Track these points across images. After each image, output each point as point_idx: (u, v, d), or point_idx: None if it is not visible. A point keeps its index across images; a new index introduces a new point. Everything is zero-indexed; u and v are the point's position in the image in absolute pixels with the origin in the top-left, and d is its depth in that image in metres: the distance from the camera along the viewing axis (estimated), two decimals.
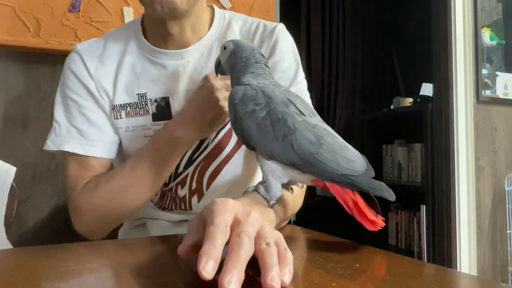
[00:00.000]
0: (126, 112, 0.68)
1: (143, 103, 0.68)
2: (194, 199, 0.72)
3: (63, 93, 0.68)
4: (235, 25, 0.72)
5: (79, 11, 1.05)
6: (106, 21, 1.08)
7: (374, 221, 0.44)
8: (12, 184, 0.78)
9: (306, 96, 0.71)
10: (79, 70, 0.67)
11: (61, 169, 1.07)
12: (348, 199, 0.45)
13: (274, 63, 0.70)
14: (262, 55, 0.55)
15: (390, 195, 0.44)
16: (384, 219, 0.46)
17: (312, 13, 2.94)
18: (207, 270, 0.29)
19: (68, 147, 0.65)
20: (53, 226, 1.06)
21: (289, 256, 0.34)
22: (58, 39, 1.03)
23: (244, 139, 0.50)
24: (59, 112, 0.67)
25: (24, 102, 1.04)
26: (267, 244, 0.33)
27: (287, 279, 0.32)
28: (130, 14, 1.10)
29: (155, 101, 0.68)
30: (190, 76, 0.69)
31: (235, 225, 0.34)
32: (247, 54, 0.54)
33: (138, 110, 0.68)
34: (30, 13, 1.01)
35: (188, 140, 0.63)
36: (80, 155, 0.65)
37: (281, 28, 0.73)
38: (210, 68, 0.69)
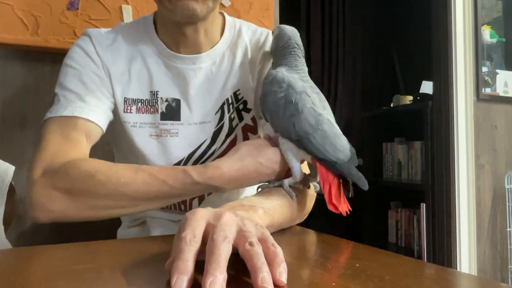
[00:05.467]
0: (137, 107, 0.68)
1: (154, 101, 0.68)
2: (195, 201, 0.72)
3: (64, 65, 0.66)
4: (245, 34, 0.74)
5: (77, 9, 1.05)
6: (104, 19, 1.07)
7: (337, 206, 0.52)
8: (11, 183, 0.78)
9: None
10: (87, 47, 0.67)
11: None
12: (326, 182, 0.53)
13: None
14: (297, 44, 0.63)
15: (363, 184, 0.52)
16: (351, 209, 0.53)
17: (312, 10, 2.93)
18: (178, 286, 0.29)
19: (68, 112, 0.60)
20: (53, 226, 1.05)
21: (280, 252, 0.33)
22: (56, 37, 1.03)
23: (263, 113, 0.60)
24: (57, 85, 0.65)
25: (22, 101, 1.04)
26: (250, 244, 0.32)
27: (284, 277, 0.31)
28: (129, 12, 1.10)
29: (166, 100, 0.68)
30: (201, 82, 0.70)
31: (209, 231, 0.33)
32: (283, 43, 0.62)
33: (149, 107, 0.68)
34: (29, 11, 1.00)
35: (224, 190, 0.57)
36: (74, 120, 0.60)
37: None
38: (221, 76, 0.70)
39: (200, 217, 0.35)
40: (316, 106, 0.56)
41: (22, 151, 1.04)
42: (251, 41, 0.73)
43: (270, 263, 0.32)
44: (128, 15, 1.09)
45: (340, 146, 0.53)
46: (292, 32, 0.64)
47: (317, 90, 0.60)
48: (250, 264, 0.31)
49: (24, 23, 1.01)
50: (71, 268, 0.39)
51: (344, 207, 0.52)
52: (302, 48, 0.64)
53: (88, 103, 0.63)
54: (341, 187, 0.54)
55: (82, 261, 0.42)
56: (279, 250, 0.33)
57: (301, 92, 0.56)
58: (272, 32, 0.65)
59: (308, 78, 0.62)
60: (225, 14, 0.75)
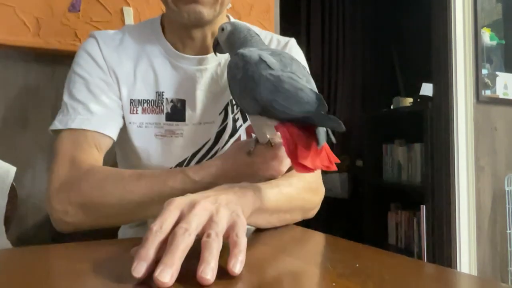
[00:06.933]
0: (142, 108, 0.68)
1: (160, 101, 0.69)
2: None
3: (72, 73, 0.67)
4: None
5: (79, 11, 1.05)
6: (106, 21, 1.08)
7: (305, 165, 0.44)
8: (12, 184, 0.78)
9: None
10: (94, 51, 0.67)
11: None
12: (291, 143, 0.47)
13: None
14: (256, 33, 0.59)
15: (339, 127, 0.45)
16: (337, 161, 0.47)
17: (312, 13, 2.94)
18: (136, 270, 0.32)
19: (76, 124, 0.62)
20: (53, 226, 1.05)
21: (241, 243, 0.35)
22: (58, 39, 1.03)
23: (236, 103, 0.56)
24: (66, 93, 0.66)
25: (23, 102, 1.04)
26: (208, 235, 0.34)
27: (237, 269, 0.33)
28: (130, 14, 1.10)
29: (171, 101, 0.69)
30: (206, 83, 0.70)
31: (179, 221, 0.35)
32: (244, 34, 0.59)
33: (154, 108, 0.69)
34: (30, 13, 1.01)
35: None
36: (82, 133, 0.62)
37: (293, 43, 0.76)
38: (226, 77, 0.70)
39: (174, 207, 0.37)
40: (275, 69, 0.50)
41: (23, 152, 1.04)
42: None
43: (230, 252, 0.34)
44: (129, 17, 1.10)
45: (306, 98, 0.48)
46: (247, 25, 0.62)
47: (282, 53, 0.54)
48: (201, 254, 0.33)
49: (26, 25, 1.01)
50: (71, 268, 0.39)
51: (316, 163, 0.45)
52: (260, 37, 0.60)
53: (95, 113, 0.64)
54: (311, 142, 0.47)
55: (82, 261, 0.42)
56: (241, 241, 0.35)
57: (257, 62, 0.51)
58: (222, 29, 0.61)
59: (267, 47, 0.57)
60: (231, 17, 0.76)
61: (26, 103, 1.05)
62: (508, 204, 1.87)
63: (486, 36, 1.94)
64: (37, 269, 0.39)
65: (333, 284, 0.34)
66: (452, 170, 1.83)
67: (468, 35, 1.87)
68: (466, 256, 1.81)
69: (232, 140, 0.71)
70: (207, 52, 0.70)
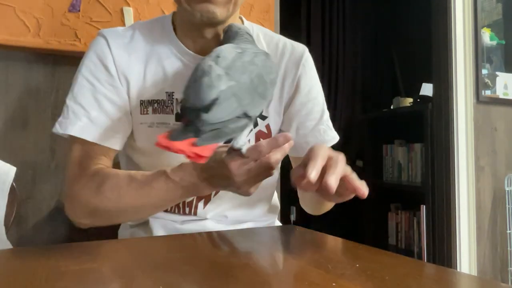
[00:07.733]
0: (153, 108, 0.68)
1: (170, 101, 0.68)
2: (200, 204, 0.72)
3: (80, 75, 0.66)
4: (263, 40, 0.75)
5: (79, 11, 1.05)
6: (106, 21, 1.08)
7: (162, 143, 0.45)
8: (12, 184, 0.78)
9: (329, 123, 0.77)
10: (103, 52, 0.67)
11: (61, 169, 1.06)
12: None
13: (307, 91, 0.74)
14: (248, 33, 0.62)
15: (197, 122, 0.45)
16: (208, 154, 0.46)
17: (312, 13, 2.94)
18: (312, 176, 0.46)
19: (75, 131, 0.63)
20: (53, 226, 1.05)
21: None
22: (58, 39, 1.03)
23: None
24: (70, 95, 0.65)
25: (24, 102, 1.04)
26: (350, 172, 0.51)
27: (365, 190, 0.50)
28: (130, 14, 1.10)
29: (181, 101, 0.69)
30: None
31: (330, 159, 0.49)
32: (232, 34, 0.61)
33: (164, 108, 0.68)
34: (30, 13, 1.01)
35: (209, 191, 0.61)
36: (86, 141, 0.63)
37: (308, 53, 0.77)
38: None
39: (324, 151, 0.50)
40: (218, 65, 0.50)
41: (23, 153, 1.04)
42: (268, 45, 0.74)
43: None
44: (129, 17, 1.10)
45: (202, 96, 0.47)
46: (242, 25, 0.64)
47: (250, 57, 0.53)
48: (351, 181, 0.50)
49: (26, 25, 1.01)
50: (71, 268, 0.39)
51: (176, 146, 0.45)
52: (253, 38, 0.62)
53: (96, 123, 0.64)
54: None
55: (82, 261, 0.42)
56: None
57: (212, 57, 0.51)
58: (223, 31, 0.65)
59: (253, 48, 0.57)
60: (244, 19, 0.76)
61: (26, 103, 1.05)
62: (508, 204, 1.87)
63: (486, 36, 1.94)
64: (37, 269, 0.39)
65: (333, 284, 0.34)
66: (452, 170, 1.83)
67: (468, 35, 1.87)
68: (466, 256, 1.81)
69: None
70: None
